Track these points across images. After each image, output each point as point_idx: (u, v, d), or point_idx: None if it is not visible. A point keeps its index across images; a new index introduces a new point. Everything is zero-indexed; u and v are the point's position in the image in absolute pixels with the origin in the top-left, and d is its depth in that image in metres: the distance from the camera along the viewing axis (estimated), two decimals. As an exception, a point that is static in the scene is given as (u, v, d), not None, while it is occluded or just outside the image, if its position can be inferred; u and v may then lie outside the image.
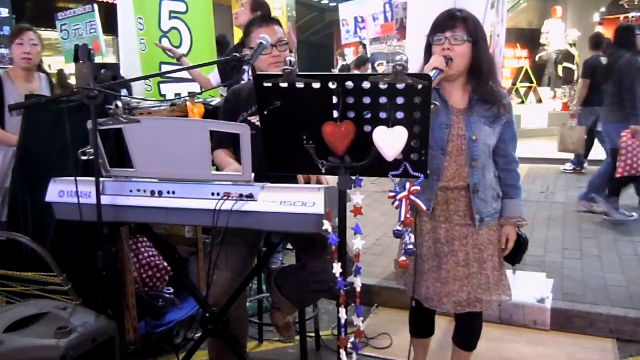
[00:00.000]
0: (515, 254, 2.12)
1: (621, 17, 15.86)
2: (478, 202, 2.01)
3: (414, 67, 1.96)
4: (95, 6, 5.67)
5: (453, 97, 2.03)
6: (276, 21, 2.41)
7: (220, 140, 2.26)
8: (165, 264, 2.84)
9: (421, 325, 2.31)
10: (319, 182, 2.14)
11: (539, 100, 11.55)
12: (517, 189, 2.10)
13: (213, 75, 3.75)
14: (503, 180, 2.09)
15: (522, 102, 11.40)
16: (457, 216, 2.04)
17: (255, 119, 2.20)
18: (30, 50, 3.22)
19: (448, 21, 1.95)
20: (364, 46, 9.40)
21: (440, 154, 2.00)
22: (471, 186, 2.00)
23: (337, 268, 1.59)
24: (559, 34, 11.63)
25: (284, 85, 1.55)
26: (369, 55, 8.93)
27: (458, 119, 2.01)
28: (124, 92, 2.68)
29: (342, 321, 1.65)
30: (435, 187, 2.02)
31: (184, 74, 3.76)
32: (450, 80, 2.00)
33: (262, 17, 2.51)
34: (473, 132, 1.98)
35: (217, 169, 2.32)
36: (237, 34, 4.63)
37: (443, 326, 2.30)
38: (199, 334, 2.19)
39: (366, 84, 1.50)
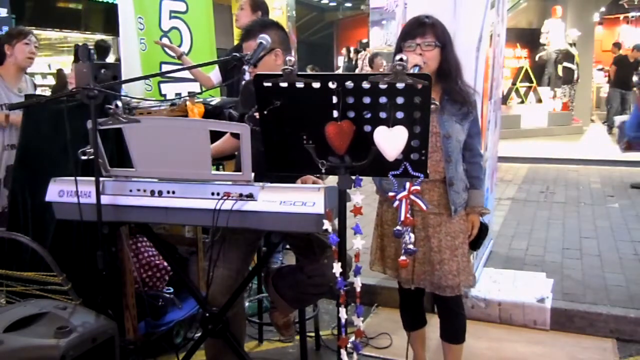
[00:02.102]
0: (477, 240, 2.24)
1: (621, 17, 15.88)
2: (453, 195, 2.13)
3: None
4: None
5: None
6: (260, 32, 2.22)
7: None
8: (165, 264, 2.84)
9: (412, 316, 2.37)
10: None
11: (539, 100, 11.53)
12: (481, 180, 2.24)
13: (214, 74, 3.75)
14: (469, 172, 2.22)
15: (522, 102, 11.39)
16: (431, 205, 2.12)
17: None
18: (34, 51, 3.33)
19: (418, 28, 2.08)
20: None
21: None
22: (447, 180, 2.12)
23: (337, 268, 1.59)
24: (559, 34, 11.63)
25: (284, 85, 1.55)
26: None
27: (432, 117, 2.05)
28: (123, 91, 2.68)
29: (342, 321, 1.65)
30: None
31: (185, 74, 3.76)
32: None
33: (246, 31, 2.35)
34: (446, 130, 2.10)
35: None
36: (237, 34, 4.62)
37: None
38: (199, 334, 2.19)
39: (366, 84, 1.50)
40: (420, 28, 2.07)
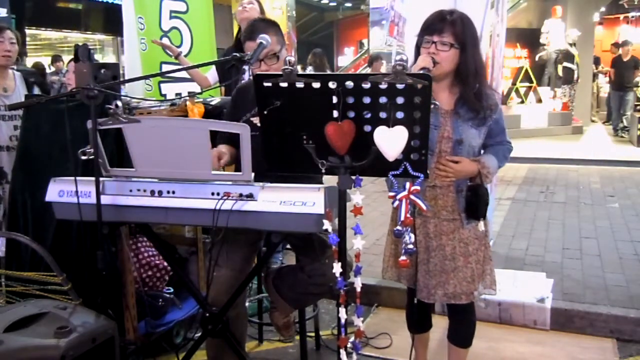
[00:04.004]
0: (475, 206, 2.04)
1: (621, 17, 15.88)
2: (463, 202, 2.06)
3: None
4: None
5: (439, 97, 2.03)
6: (272, 27, 2.24)
7: (223, 137, 2.25)
8: (165, 264, 2.84)
9: (418, 320, 2.34)
10: None
11: (539, 100, 11.53)
12: (502, 158, 2.11)
13: (211, 74, 3.74)
14: (495, 149, 2.11)
15: (522, 102, 11.39)
16: (445, 211, 2.08)
17: (257, 120, 2.19)
18: (10, 48, 3.21)
19: (437, 24, 1.94)
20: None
21: (429, 155, 1.99)
22: (456, 186, 2.05)
23: (337, 268, 1.59)
24: (559, 34, 11.63)
25: (284, 85, 1.55)
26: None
27: (445, 121, 2.03)
28: (123, 91, 2.67)
29: (342, 321, 1.65)
30: (423, 186, 2.02)
31: (185, 74, 3.76)
32: (435, 81, 1.97)
33: (249, 30, 2.27)
34: (460, 136, 2.01)
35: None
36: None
37: (443, 326, 2.30)
38: (199, 334, 2.19)
39: (366, 84, 1.50)
40: (439, 24, 1.93)
